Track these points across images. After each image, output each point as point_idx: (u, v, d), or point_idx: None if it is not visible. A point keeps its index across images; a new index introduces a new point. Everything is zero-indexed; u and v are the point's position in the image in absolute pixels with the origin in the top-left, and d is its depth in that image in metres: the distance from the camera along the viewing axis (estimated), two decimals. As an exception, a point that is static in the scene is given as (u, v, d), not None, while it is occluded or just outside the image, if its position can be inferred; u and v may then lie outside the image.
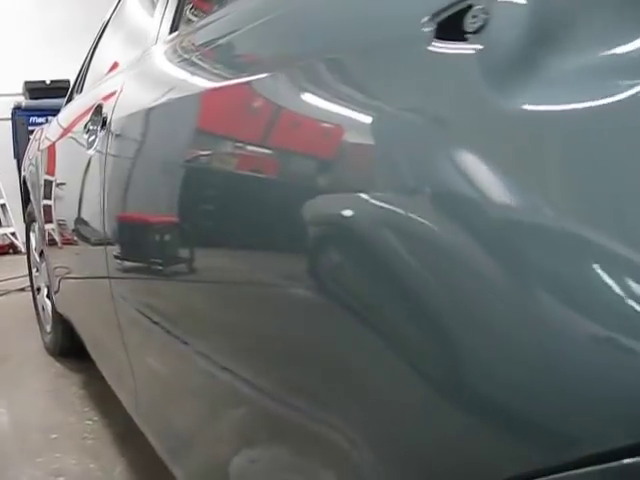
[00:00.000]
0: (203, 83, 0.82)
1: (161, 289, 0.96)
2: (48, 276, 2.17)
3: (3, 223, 4.77)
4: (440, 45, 0.40)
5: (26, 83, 4.61)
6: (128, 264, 1.04)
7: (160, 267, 0.93)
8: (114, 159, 1.04)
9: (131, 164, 0.98)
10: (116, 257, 1.07)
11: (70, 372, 2.25)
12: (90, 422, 1.86)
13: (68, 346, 2.31)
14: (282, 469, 0.68)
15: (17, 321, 2.92)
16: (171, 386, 0.98)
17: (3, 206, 4.70)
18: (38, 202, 2.05)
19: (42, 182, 1.89)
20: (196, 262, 0.82)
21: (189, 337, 0.88)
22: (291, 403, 0.63)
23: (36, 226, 2.39)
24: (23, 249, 4.65)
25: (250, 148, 0.67)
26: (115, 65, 1.37)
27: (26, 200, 2.58)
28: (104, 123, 1.12)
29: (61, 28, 5.11)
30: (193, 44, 0.92)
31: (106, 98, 1.16)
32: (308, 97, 0.56)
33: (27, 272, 3.81)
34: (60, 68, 4.86)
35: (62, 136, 1.62)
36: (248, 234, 0.65)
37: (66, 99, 2.00)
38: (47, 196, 1.81)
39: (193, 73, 0.86)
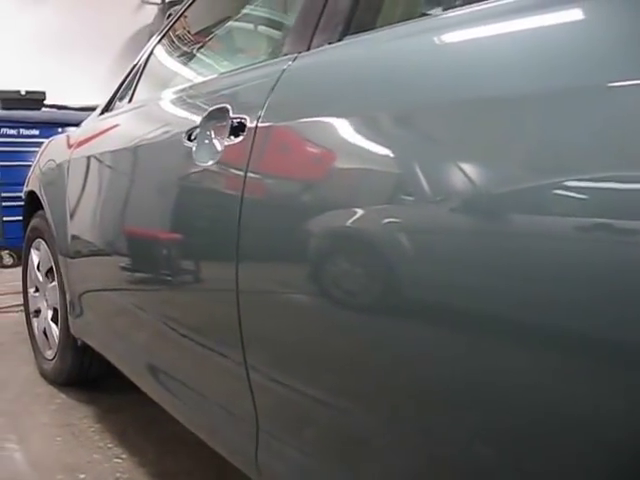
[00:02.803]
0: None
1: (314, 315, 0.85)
2: (64, 297, 1.98)
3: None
4: None
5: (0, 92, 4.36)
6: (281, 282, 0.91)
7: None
8: (267, 172, 0.93)
9: (308, 181, 0.87)
10: (250, 277, 0.95)
11: (79, 404, 2.05)
12: (119, 460, 1.68)
13: (76, 375, 2.12)
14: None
15: (1, 345, 2.68)
16: (328, 428, 0.87)
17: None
18: (62, 215, 1.87)
19: (80, 192, 1.72)
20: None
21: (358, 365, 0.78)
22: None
23: (42, 243, 2.21)
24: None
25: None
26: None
27: (28, 215, 2.39)
28: (237, 129, 1.00)
29: (40, 37, 4.90)
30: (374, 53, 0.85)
31: (236, 101, 1.04)
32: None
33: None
34: (33, 79, 4.64)
35: (122, 143, 1.48)
36: None
37: (102, 108, 1.86)
38: (91, 208, 1.65)
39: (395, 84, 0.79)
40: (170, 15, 5.00)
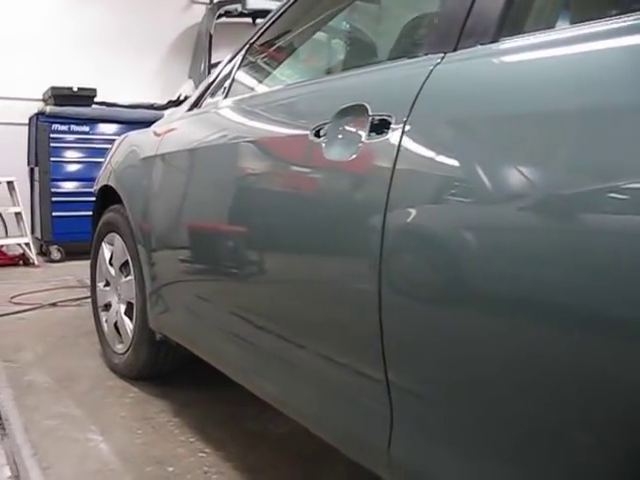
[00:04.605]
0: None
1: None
2: (141, 290, 1.99)
3: (17, 233, 4.49)
4: None
5: (52, 89, 4.41)
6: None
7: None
8: (418, 172, 0.93)
9: (464, 182, 0.86)
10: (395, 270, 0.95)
11: (152, 398, 2.07)
12: (204, 454, 1.69)
13: (149, 369, 2.14)
14: None
15: (65, 339, 2.71)
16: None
17: (18, 215, 4.43)
18: (144, 208, 1.89)
19: (171, 186, 1.73)
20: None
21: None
22: None
23: (116, 237, 2.23)
24: (36, 261, 4.39)
25: None
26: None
27: (99, 210, 2.41)
28: (379, 127, 1.00)
29: (90, 34, 4.96)
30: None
31: (376, 99, 1.05)
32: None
33: (47, 287, 3.61)
34: (85, 75, 4.70)
35: (228, 138, 1.49)
36: None
37: (191, 103, 1.87)
38: (186, 201, 1.66)
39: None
40: (220, 15, 5.04)
